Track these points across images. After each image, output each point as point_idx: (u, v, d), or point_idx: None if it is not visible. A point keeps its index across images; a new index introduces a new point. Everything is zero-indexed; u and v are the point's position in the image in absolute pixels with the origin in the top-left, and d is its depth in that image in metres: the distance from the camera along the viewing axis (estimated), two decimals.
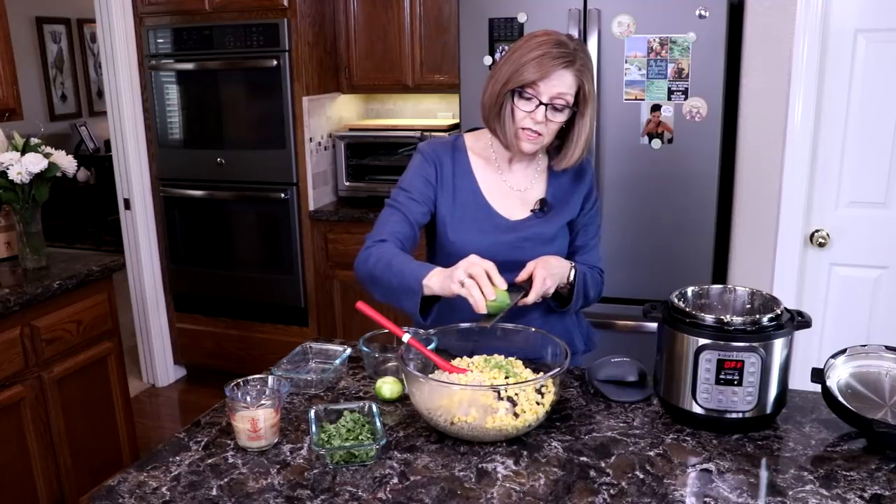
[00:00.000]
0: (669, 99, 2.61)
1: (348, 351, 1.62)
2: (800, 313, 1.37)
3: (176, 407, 3.77)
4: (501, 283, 1.38)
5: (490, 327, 1.44)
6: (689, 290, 1.46)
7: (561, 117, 1.54)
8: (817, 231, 2.61)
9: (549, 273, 1.52)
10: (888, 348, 1.40)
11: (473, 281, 1.36)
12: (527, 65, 1.49)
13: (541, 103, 1.51)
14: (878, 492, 1.16)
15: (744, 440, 1.32)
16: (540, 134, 1.54)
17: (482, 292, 1.35)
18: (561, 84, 1.50)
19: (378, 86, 3.62)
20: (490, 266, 1.39)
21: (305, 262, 3.54)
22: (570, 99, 1.53)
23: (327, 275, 3.54)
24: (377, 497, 1.15)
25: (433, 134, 3.41)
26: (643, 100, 2.64)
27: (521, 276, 1.53)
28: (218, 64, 3.45)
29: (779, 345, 1.31)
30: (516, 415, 1.28)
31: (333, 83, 3.63)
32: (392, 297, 1.51)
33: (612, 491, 1.16)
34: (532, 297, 1.50)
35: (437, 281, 1.43)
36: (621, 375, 1.51)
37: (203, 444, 1.33)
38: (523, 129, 1.54)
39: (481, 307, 1.35)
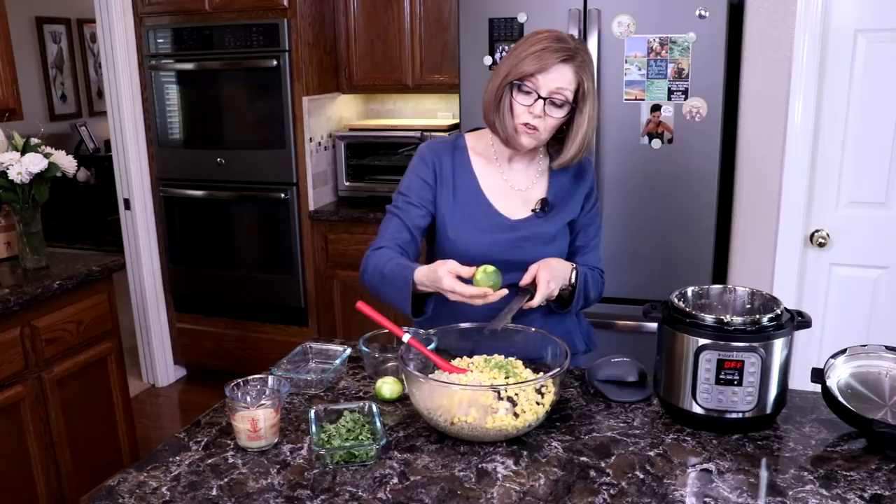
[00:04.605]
0: (669, 99, 2.61)
1: (348, 351, 1.62)
2: (800, 313, 1.37)
3: (176, 407, 3.77)
4: (468, 270, 1.41)
5: (500, 330, 1.47)
6: (689, 290, 1.46)
7: (559, 113, 1.54)
8: (817, 231, 2.61)
9: (552, 275, 1.53)
10: (888, 348, 1.40)
11: (455, 293, 1.40)
12: (526, 58, 1.50)
13: (539, 97, 1.51)
14: (878, 492, 1.16)
15: (744, 440, 1.32)
16: (538, 129, 1.54)
17: (467, 293, 1.39)
18: (560, 79, 1.50)
19: (378, 86, 3.62)
20: (452, 267, 1.41)
21: (305, 262, 3.54)
22: (570, 95, 1.52)
23: (327, 275, 3.54)
24: (377, 497, 1.15)
25: (433, 134, 3.40)
26: (643, 100, 2.64)
27: (525, 279, 1.54)
28: (218, 64, 3.44)
29: (779, 345, 1.31)
30: (516, 415, 1.28)
31: (333, 83, 3.63)
32: (392, 303, 1.55)
33: (612, 491, 1.16)
34: (538, 300, 1.51)
35: (422, 275, 1.47)
36: (621, 375, 1.51)
37: (203, 444, 1.33)
38: (522, 123, 1.54)
39: (478, 302, 1.40)
